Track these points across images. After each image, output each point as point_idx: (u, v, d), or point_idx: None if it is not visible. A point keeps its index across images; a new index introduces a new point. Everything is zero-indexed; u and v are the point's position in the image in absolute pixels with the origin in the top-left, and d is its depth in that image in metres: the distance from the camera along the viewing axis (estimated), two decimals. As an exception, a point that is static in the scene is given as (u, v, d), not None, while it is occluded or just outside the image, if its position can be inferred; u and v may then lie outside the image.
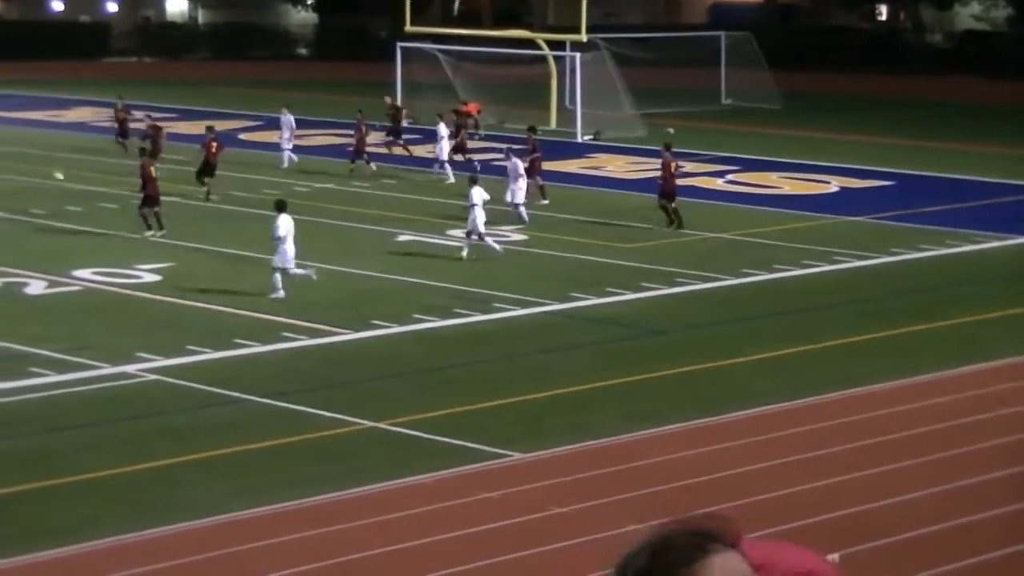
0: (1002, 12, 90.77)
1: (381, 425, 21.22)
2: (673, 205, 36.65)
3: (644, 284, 30.39)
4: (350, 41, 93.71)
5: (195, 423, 21.45)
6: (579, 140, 54.30)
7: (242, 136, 55.29)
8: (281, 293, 28.83)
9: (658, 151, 39.50)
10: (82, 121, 59.84)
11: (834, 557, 13.20)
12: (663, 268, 31.90)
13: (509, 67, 61.63)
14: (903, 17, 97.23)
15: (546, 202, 39.81)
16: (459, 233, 34.21)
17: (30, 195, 40.72)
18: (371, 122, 47.25)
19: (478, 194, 32.88)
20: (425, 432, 20.80)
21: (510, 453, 19.95)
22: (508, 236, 35.38)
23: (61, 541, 16.85)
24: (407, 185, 43.85)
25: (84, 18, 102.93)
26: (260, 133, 55.50)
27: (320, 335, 26.22)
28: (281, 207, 29.98)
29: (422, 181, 44.28)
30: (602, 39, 58.24)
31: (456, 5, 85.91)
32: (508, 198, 37.26)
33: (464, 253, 32.64)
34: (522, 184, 37.54)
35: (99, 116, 59.61)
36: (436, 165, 45.14)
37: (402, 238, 35.41)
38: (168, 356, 24.56)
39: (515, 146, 41.39)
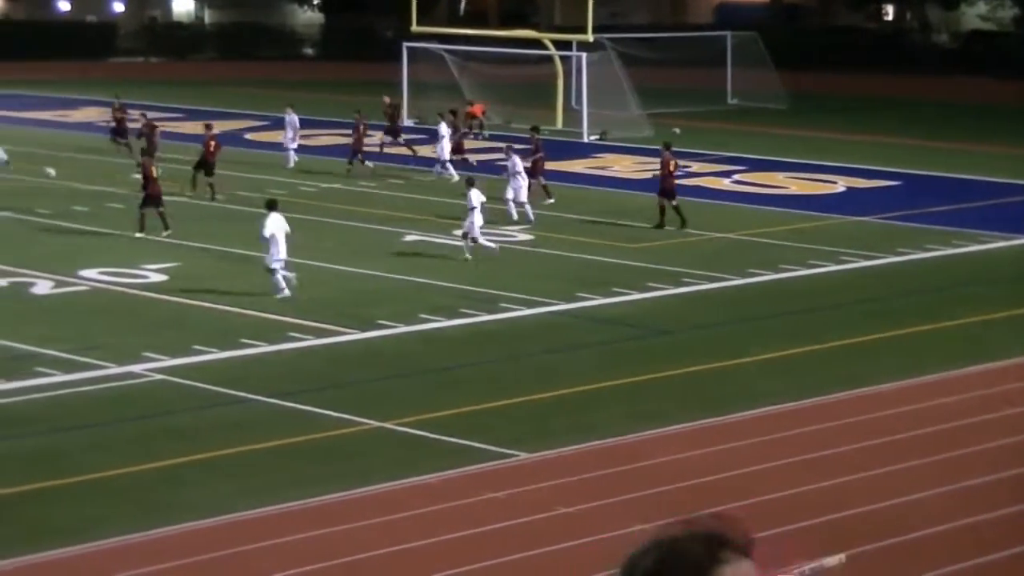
0: (1008, 12, 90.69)
1: (387, 425, 21.22)
2: (674, 203, 36.62)
3: (650, 284, 30.38)
4: (356, 41, 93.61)
5: (201, 423, 21.46)
6: (585, 140, 54.26)
7: (248, 136, 55.30)
8: (287, 292, 28.78)
9: (664, 151, 39.48)
10: (89, 121, 59.81)
11: (841, 557, 13.18)
12: (669, 268, 31.89)
13: (515, 67, 61.57)
14: (909, 17, 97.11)
15: (552, 200, 39.79)
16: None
17: (36, 195, 40.70)
18: (370, 122, 47.17)
19: (476, 196, 32.83)
20: (431, 432, 20.80)
21: (516, 453, 19.95)
22: (514, 236, 35.39)
23: (67, 541, 16.86)
24: (413, 185, 43.84)
25: (90, 18, 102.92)
26: (266, 133, 55.45)
27: (326, 335, 26.21)
28: (271, 206, 29.84)
29: (428, 181, 44.27)
30: (608, 39, 58.19)
31: (462, 5, 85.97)
32: (509, 195, 37.29)
33: (467, 256, 32.60)
34: (522, 181, 37.54)
35: (105, 116, 59.39)
36: (438, 165, 45.13)
37: (408, 238, 35.40)
38: (174, 356, 24.57)
39: (517, 146, 41.34)
